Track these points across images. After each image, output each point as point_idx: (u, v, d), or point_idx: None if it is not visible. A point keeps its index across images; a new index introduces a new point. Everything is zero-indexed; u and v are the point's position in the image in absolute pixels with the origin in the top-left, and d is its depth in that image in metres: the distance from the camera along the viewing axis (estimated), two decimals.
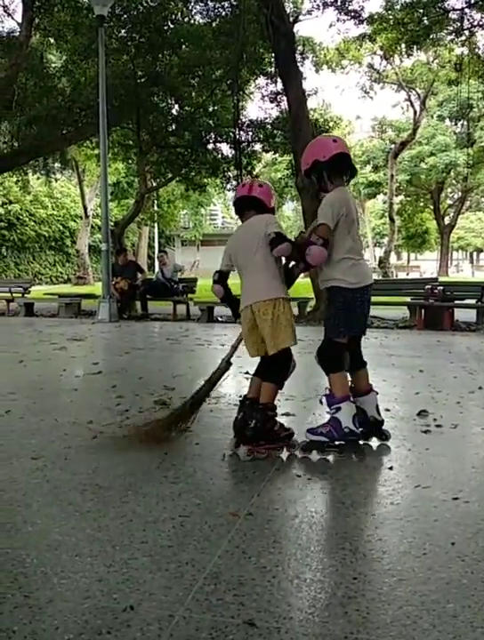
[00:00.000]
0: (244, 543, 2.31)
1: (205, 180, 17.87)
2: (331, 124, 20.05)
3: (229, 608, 1.88)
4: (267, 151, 17.83)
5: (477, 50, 16.93)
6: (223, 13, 15.12)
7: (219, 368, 3.69)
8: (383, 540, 2.35)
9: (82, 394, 5.19)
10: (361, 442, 3.54)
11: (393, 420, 4.14)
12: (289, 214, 58.68)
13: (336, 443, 3.36)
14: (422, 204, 45.35)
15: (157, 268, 17.64)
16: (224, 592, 1.97)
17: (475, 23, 14.97)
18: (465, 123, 35.52)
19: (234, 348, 3.68)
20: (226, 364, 3.66)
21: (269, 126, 16.14)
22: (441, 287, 10.79)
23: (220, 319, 11.83)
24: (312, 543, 2.32)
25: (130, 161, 18.84)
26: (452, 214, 46.45)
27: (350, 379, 3.54)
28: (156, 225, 34.70)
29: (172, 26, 15.16)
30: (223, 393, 5.07)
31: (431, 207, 44.53)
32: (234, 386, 5.53)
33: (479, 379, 5.65)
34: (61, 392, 5.17)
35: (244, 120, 16.31)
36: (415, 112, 29.52)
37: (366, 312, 3.54)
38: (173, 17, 15.25)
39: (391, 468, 3.17)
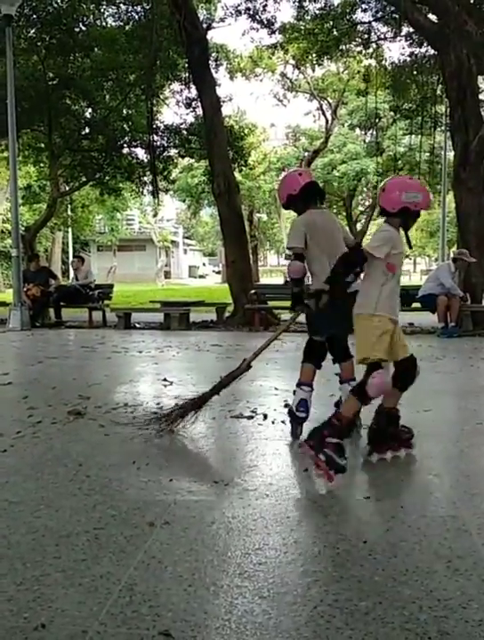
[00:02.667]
0: (160, 553, 2.29)
1: (121, 185, 17.65)
2: (246, 131, 20.28)
3: (145, 620, 1.86)
4: (183, 157, 17.80)
5: (383, 61, 17.57)
6: (136, 17, 15.00)
7: (239, 368, 3.96)
8: (299, 541, 2.39)
9: None
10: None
11: (309, 422, 4.21)
12: (207, 220, 58.81)
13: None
14: (335, 210, 46.50)
15: (71, 274, 17.23)
16: (139, 604, 1.94)
17: (382, 36, 15.55)
18: (374, 132, 36.80)
19: (257, 353, 3.95)
20: (247, 366, 3.94)
21: (184, 132, 16.12)
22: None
23: (137, 325, 11.69)
24: (229, 549, 2.33)
25: (42, 164, 18.36)
26: (363, 221, 47.93)
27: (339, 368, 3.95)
28: (70, 230, 33.92)
29: (83, 28, 14.90)
30: (140, 401, 5.02)
31: (344, 213, 45.77)
32: (151, 394, 5.49)
33: None
34: None
35: (159, 125, 16.23)
36: (326, 121, 30.31)
37: (340, 315, 3.61)
38: (85, 19, 14.98)
39: (305, 471, 3.22)
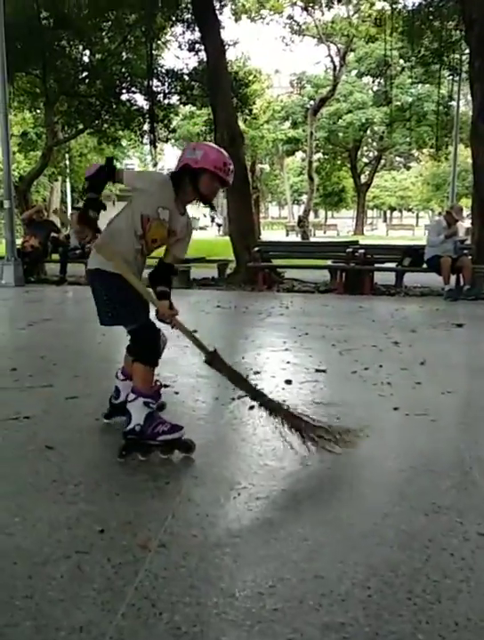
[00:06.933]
0: (154, 591, 1.89)
1: (119, 133, 16.90)
2: (251, 77, 19.38)
3: None
4: (184, 104, 16.99)
5: (397, 4, 16.64)
6: None
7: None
8: (322, 576, 1.99)
9: None
10: None
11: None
12: None
13: None
14: (339, 162, 45.46)
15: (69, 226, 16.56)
16: None
17: None
18: (382, 80, 35.53)
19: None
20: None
21: (186, 77, 15.30)
22: (363, 250, 10.59)
23: None
24: (237, 586, 1.93)
25: (38, 111, 17.57)
26: (368, 173, 46.87)
27: None
28: (68, 180, 33.04)
29: None
30: None
31: (348, 165, 44.72)
32: None
33: (405, 352, 5.41)
34: None
35: (159, 70, 15.40)
36: (334, 67, 29.13)
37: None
38: None
39: (329, 469, 2.82)
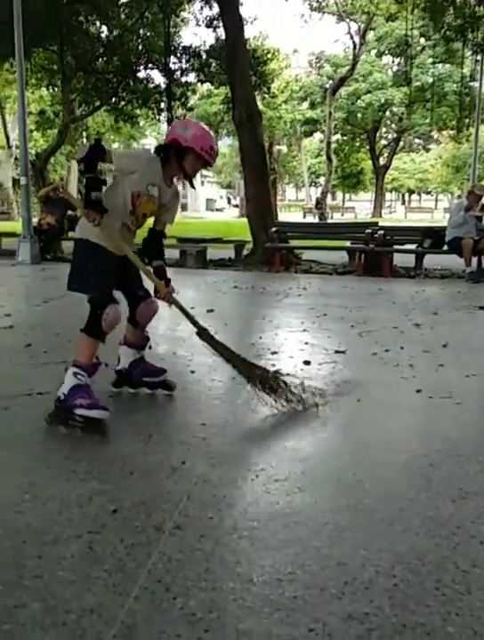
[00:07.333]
0: (168, 575, 1.81)
1: (137, 111, 16.75)
2: (269, 55, 19.07)
3: None
4: (202, 82, 16.77)
5: None
6: None
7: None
8: (343, 563, 1.89)
9: None
10: None
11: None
12: (224, 151, 57.13)
13: None
14: (357, 143, 44.90)
15: None
16: None
17: None
18: (402, 60, 34.91)
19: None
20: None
21: (204, 54, 15.09)
22: (382, 231, 10.40)
23: None
24: (254, 571, 1.84)
25: (56, 88, 17.44)
26: (387, 155, 46.27)
27: None
28: None
29: None
30: (150, 353, 4.52)
31: (367, 147, 44.16)
32: (165, 344, 5.00)
33: (427, 334, 5.28)
34: None
35: (177, 46, 15.20)
36: (354, 45, 28.62)
37: None
38: None
39: (351, 452, 2.73)
